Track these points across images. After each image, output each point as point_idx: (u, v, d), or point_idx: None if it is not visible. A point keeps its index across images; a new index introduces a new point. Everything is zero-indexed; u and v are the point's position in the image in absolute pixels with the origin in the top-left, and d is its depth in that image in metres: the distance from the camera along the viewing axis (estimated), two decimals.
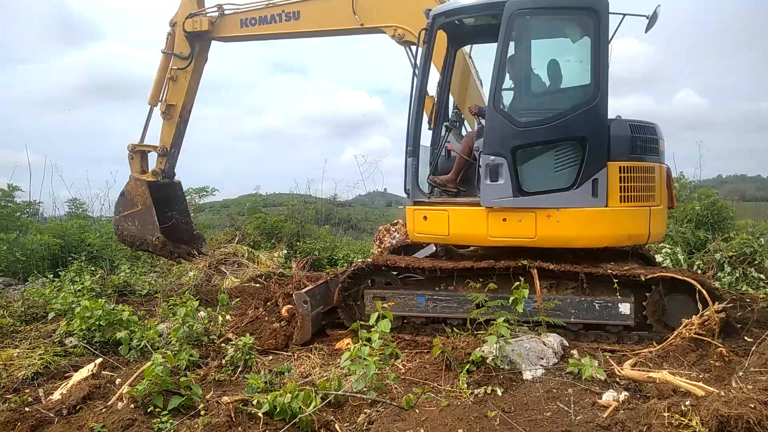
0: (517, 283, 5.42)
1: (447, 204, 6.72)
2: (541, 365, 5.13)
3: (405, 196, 7.08)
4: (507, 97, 6.60)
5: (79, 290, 8.41)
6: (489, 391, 4.69)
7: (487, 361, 5.11)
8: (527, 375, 5.00)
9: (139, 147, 10.06)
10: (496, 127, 6.28)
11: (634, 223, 6.11)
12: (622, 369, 4.97)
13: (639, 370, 4.95)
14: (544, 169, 6.21)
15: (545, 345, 5.33)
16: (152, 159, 10.42)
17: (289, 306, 6.94)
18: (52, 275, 10.38)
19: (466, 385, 4.79)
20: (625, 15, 6.18)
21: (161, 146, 9.83)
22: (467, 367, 5.03)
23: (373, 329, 4.71)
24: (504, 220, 6.22)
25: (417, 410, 4.19)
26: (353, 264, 8.99)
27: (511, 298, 5.39)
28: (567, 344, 5.58)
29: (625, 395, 4.43)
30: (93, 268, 10.58)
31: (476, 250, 7.00)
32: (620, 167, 5.97)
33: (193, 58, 9.36)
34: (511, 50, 6.36)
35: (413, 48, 6.99)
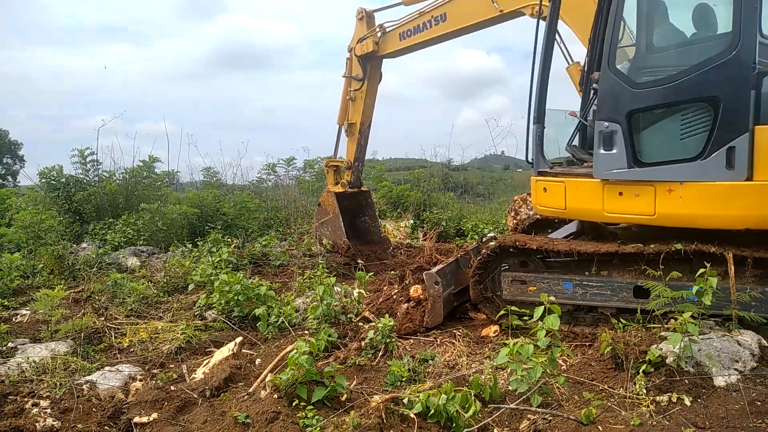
0: (703, 269, 4.58)
1: (564, 175, 6.03)
2: (735, 369, 4.31)
3: (523, 159, 6.49)
4: (624, 55, 5.87)
5: (218, 261, 8.49)
6: (674, 399, 3.98)
7: (668, 361, 4.37)
8: (719, 381, 4.20)
9: (331, 162, 11.07)
10: (609, 89, 5.49)
11: None
12: None
13: None
14: (665, 136, 5.33)
15: (740, 345, 4.48)
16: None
17: (418, 286, 6.49)
18: (190, 244, 10.69)
19: (645, 390, 4.11)
20: None
21: (347, 161, 10.71)
22: (644, 367, 4.32)
23: (539, 325, 4.12)
24: (620, 194, 5.46)
25: (599, 427, 3.59)
26: (483, 240, 8.36)
27: (695, 288, 4.57)
28: (766, 344, 4.68)
29: None
30: (228, 238, 10.79)
31: (630, 228, 6.16)
32: None
33: (366, 79, 10.08)
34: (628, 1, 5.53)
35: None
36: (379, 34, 9.72)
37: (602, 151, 5.51)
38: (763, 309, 4.93)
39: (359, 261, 9.93)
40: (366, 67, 10.04)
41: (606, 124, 5.46)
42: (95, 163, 13.30)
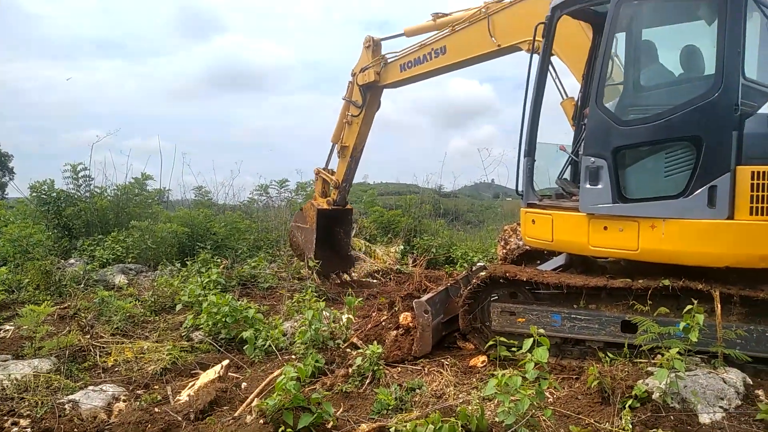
0: (690, 306, 4.61)
1: (552, 208, 6.12)
2: (720, 407, 4.33)
3: (513, 188, 6.64)
4: (612, 94, 6.01)
5: (206, 282, 8.45)
6: None
7: (654, 396, 4.39)
8: (704, 418, 4.22)
9: (322, 174, 11.14)
10: (597, 125, 5.62)
11: None
12: None
13: None
14: (649, 173, 5.46)
15: (725, 382, 4.51)
16: None
17: (407, 313, 6.47)
18: (179, 264, 10.64)
19: (630, 426, 4.12)
20: None
21: (335, 180, 10.80)
22: (630, 402, 4.34)
23: (527, 357, 4.12)
24: (605, 228, 5.56)
25: None
26: (473, 269, 8.35)
27: (682, 324, 4.60)
28: (750, 382, 4.71)
29: None
30: (218, 259, 10.75)
31: (618, 262, 6.21)
32: (754, 173, 4.89)
33: (364, 107, 10.23)
34: (619, 40, 5.76)
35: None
36: (381, 65, 9.88)
37: (588, 186, 5.59)
38: (749, 347, 4.96)
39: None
40: (366, 96, 10.17)
41: (592, 159, 5.55)
42: (87, 179, 13.28)
